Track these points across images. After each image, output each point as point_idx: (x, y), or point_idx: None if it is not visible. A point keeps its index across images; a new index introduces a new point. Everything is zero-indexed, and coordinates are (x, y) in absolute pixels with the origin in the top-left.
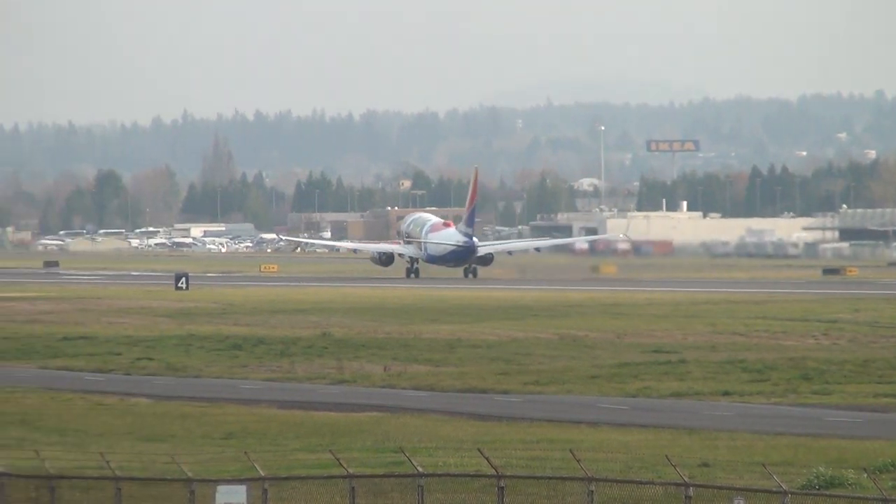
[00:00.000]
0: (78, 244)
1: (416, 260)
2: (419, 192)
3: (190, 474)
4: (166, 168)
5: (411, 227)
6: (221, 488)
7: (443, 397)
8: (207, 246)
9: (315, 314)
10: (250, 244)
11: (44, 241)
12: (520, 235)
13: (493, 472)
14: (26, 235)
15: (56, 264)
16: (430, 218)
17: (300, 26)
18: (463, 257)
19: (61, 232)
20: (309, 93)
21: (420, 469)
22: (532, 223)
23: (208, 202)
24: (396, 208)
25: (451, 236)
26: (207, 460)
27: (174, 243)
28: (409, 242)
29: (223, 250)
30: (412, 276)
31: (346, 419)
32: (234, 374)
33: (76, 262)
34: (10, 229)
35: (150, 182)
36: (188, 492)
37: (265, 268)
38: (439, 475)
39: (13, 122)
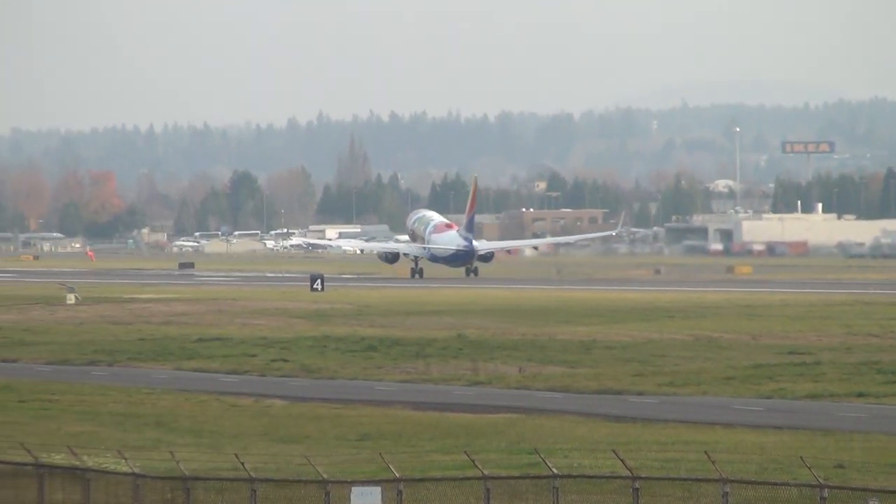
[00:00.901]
0: (213, 245)
1: (419, 259)
2: (554, 194)
3: (325, 476)
4: (301, 169)
5: (416, 224)
6: (356, 489)
7: (578, 398)
8: (343, 248)
9: (450, 315)
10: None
11: (179, 243)
12: (654, 238)
13: (627, 473)
14: (161, 237)
15: (191, 266)
16: (433, 217)
17: (434, 27)
18: (463, 259)
19: (196, 233)
20: (444, 94)
21: (555, 470)
22: (667, 225)
23: (343, 204)
24: (531, 210)
25: (452, 240)
26: (342, 462)
27: (309, 245)
28: (413, 239)
29: (359, 252)
30: (416, 276)
31: (480, 420)
32: (368, 376)
33: (211, 264)
34: (145, 231)
35: (285, 183)
36: (323, 493)
37: (400, 269)
38: (574, 476)
39: (149, 124)
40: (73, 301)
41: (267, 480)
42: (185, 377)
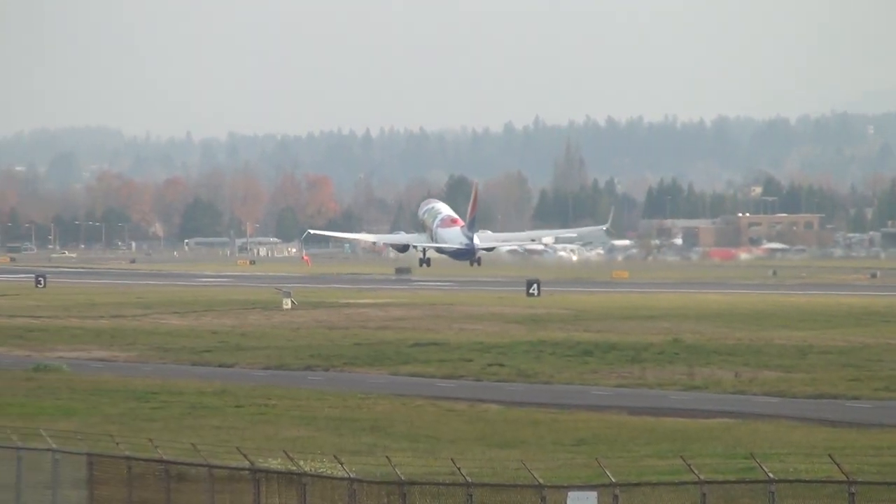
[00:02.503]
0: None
1: (426, 250)
2: (770, 199)
3: (541, 480)
4: (518, 174)
5: (425, 215)
6: (572, 494)
7: (793, 403)
8: (558, 252)
9: (665, 320)
10: (601, 251)
11: None
12: (871, 243)
13: (843, 478)
14: None
15: (408, 270)
16: (441, 210)
17: (652, 31)
18: (465, 256)
19: None
20: (660, 99)
21: (771, 475)
22: (883, 230)
23: (559, 208)
24: (748, 214)
25: (455, 237)
26: (558, 466)
27: (525, 250)
28: (423, 229)
29: (574, 257)
30: (424, 265)
31: (696, 425)
32: (584, 380)
33: (426, 269)
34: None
35: (501, 188)
36: (539, 498)
37: (616, 274)
38: (790, 481)
39: (365, 128)
40: (289, 306)
41: (483, 485)
42: (401, 382)
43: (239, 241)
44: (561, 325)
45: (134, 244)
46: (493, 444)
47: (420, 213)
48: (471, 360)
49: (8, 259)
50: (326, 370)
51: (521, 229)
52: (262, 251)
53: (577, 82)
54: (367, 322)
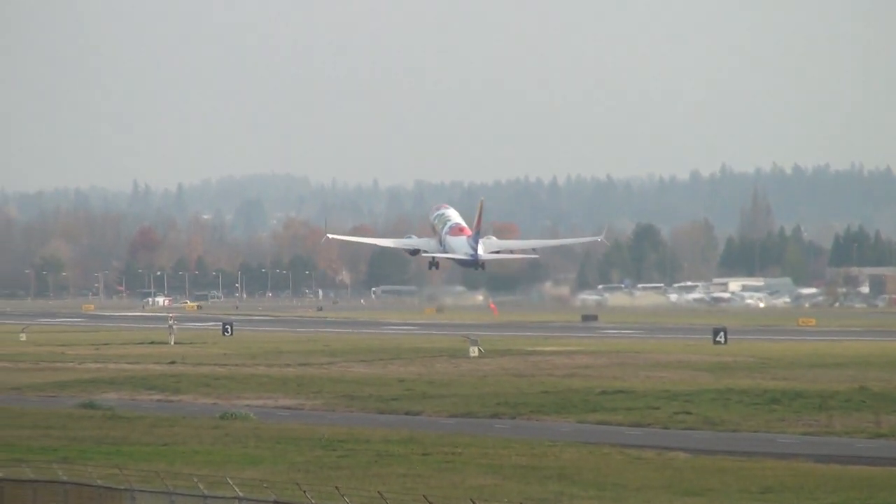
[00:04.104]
0: (616, 298)
1: (435, 255)
2: None
3: None
4: (704, 222)
5: (436, 220)
6: None
7: None
8: (745, 300)
9: (852, 368)
10: (788, 299)
11: (582, 296)
12: None
13: None
14: (564, 290)
15: (594, 318)
16: (450, 217)
17: (839, 80)
18: (470, 265)
19: (600, 286)
20: (846, 146)
21: None
22: None
23: (746, 256)
24: None
25: (461, 246)
26: None
27: (712, 297)
28: (434, 233)
29: (761, 305)
30: (433, 268)
31: (883, 473)
32: (771, 428)
33: (614, 316)
34: (548, 283)
35: (687, 236)
36: None
37: (803, 321)
38: None
39: (552, 175)
40: (476, 354)
41: None
42: (587, 430)
43: (425, 290)
44: (747, 373)
45: (321, 292)
46: (679, 493)
47: (431, 217)
48: (658, 408)
49: (195, 307)
50: (513, 418)
51: (708, 277)
52: (449, 299)
53: (763, 130)
54: (554, 370)
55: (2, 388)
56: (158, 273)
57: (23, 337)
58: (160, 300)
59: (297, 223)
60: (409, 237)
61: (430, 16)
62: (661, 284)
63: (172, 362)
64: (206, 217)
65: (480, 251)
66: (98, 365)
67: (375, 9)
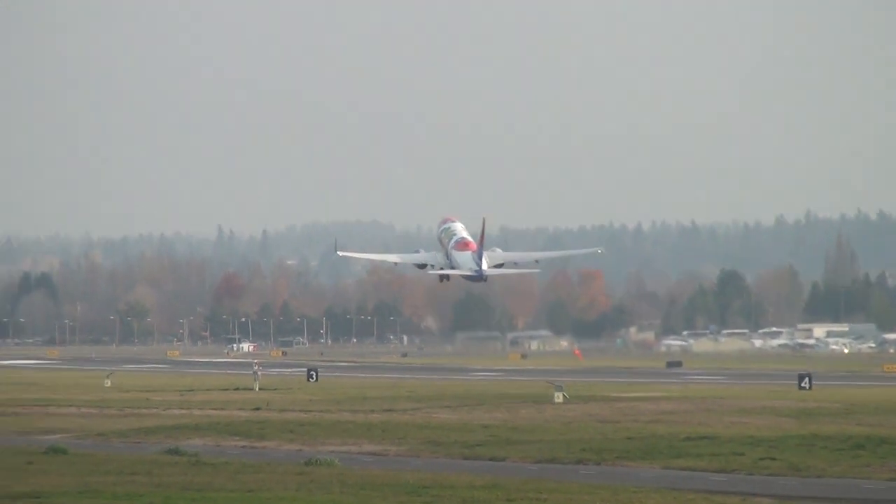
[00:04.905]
0: (700, 344)
1: (444, 268)
2: None
3: None
4: (789, 268)
5: (442, 234)
6: None
7: None
8: (830, 346)
9: None
10: (873, 344)
11: (667, 342)
12: None
13: None
14: (649, 335)
15: (679, 364)
16: (456, 231)
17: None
18: (474, 280)
19: (684, 332)
20: None
21: None
22: None
23: (831, 302)
24: None
25: (466, 262)
26: None
27: (797, 343)
28: (441, 246)
29: (846, 350)
30: (444, 280)
31: None
32: (856, 474)
33: (698, 362)
34: (632, 329)
35: (772, 282)
36: None
37: (888, 367)
38: None
39: (637, 221)
40: (560, 400)
41: None
42: (672, 476)
43: (510, 335)
44: (832, 419)
45: (406, 338)
46: None
47: (438, 230)
48: (742, 454)
49: (280, 353)
50: (598, 464)
51: (793, 323)
52: (534, 345)
53: (848, 176)
54: (639, 416)
55: (87, 435)
56: (243, 319)
57: (108, 383)
58: (245, 346)
59: (382, 269)
60: (417, 251)
61: (514, 65)
62: (746, 330)
63: (257, 408)
64: (291, 263)
65: (484, 266)
66: (183, 411)
67: (462, 58)
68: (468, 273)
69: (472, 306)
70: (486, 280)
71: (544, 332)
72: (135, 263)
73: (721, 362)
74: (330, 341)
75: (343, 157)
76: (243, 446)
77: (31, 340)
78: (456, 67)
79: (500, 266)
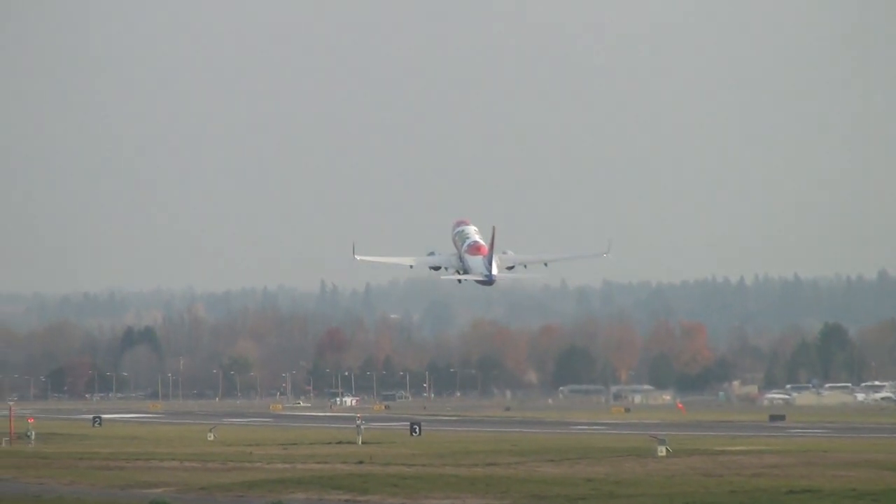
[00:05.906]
0: (803, 398)
1: (458, 270)
2: None
3: None
4: (892, 321)
5: (456, 237)
6: None
7: None
8: None
9: None
10: None
11: (770, 395)
12: None
13: None
14: (752, 389)
15: (782, 418)
16: (469, 234)
17: None
18: (485, 284)
19: (787, 385)
20: None
21: None
22: None
23: None
24: None
25: (477, 266)
26: None
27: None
28: (455, 247)
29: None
30: (460, 281)
31: None
32: None
33: (801, 416)
34: (735, 383)
35: (875, 335)
36: None
37: None
38: None
39: (739, 276)
40: (663, 453)
41: None
42: None
43: (613, 389)
44: None
45: (509, 392)
46: None
47: (452, 233)
48: None
49: (383, 407)
50: None
51: (895, 377)
52: (637, 398)
53: None
54: (742, 469)
55: (189, 489)
56: (346, 373)
57: (210, 437)
58: (348, 400)
59: (485, 323)
60: (431, 254)
61: (630, 108)
62: (849, 384)
63: (360, 462)
64: (393, 317)
65: (494, 270)
66: (286, 465)
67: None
68: (479, 278)
69: (575, 360)
70: (493, 283)
71: (647, 386)
72: (238, 317)
73: (824, 416)
74: (433, 395)
75: (444, 211)
76: (346, 500)
77: (134, 394)
78: (558, 115)
79: (510, 269)
